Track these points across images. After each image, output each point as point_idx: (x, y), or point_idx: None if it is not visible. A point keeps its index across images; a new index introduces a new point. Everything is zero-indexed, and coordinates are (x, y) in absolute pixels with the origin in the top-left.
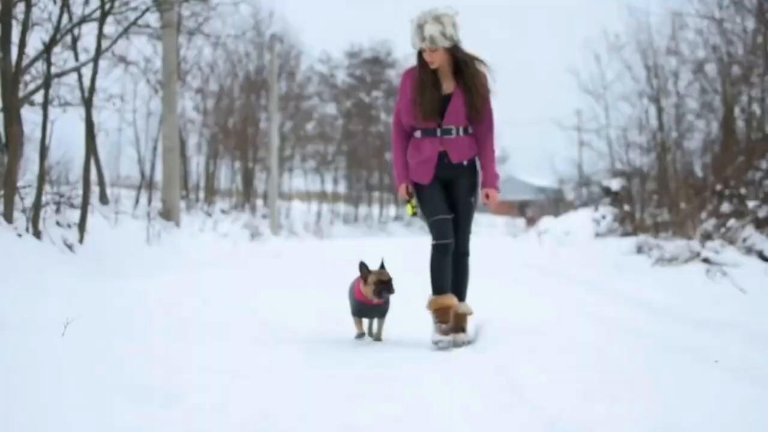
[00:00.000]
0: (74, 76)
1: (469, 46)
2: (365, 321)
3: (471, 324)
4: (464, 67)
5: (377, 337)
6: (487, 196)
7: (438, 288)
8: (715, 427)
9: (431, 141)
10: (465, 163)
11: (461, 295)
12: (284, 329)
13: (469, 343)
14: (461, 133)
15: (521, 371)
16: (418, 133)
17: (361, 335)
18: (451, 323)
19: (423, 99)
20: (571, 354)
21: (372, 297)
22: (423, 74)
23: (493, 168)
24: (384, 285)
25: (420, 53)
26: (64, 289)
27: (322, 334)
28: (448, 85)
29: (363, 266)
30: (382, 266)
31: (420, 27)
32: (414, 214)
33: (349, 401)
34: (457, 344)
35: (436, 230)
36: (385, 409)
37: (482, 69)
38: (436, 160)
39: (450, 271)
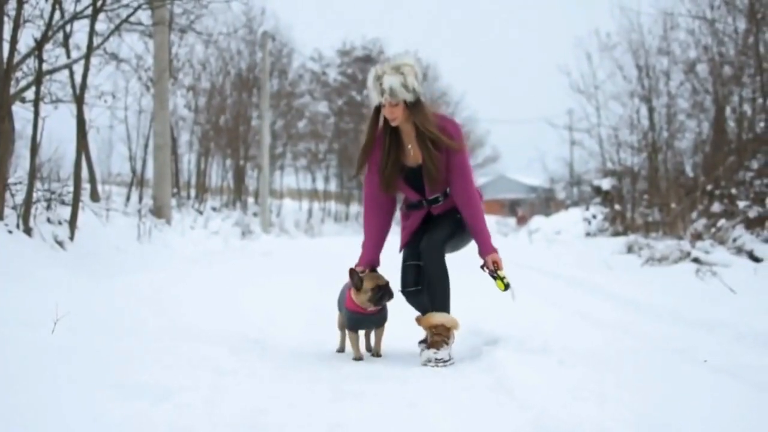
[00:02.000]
0: (66, 72)
1: (429, 100)
2: (361, 337)
3: (456, 338)
4: (423, 137)
5: (376, 352)
6: (493, 262)
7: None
8: (703, 425)
9: (418, 213)
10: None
11: (439, 305)
12: (273, 327)
13: (445, 362)
14: (447, 194)
15: (510, 370)
16: (403, 207)
17: (359, 358)
18: (429, 338)
19: (384, 168)
20: (560, 353)
21: (368, 305)
22: (382, 136)
23: (485, 231)
24: (382, 289)
25: (377, 109)
26: (54, 285)
27: (311, 333)
28: (415, 152)
29: (354, 273)
30: (373, 269)
31: (378, 78)
32: (507, 287)
33: (337, 399)
34: (429, 360)
35: (401, 276)
36: (372, 406)
37: (446, 127)
38: (420, 220)
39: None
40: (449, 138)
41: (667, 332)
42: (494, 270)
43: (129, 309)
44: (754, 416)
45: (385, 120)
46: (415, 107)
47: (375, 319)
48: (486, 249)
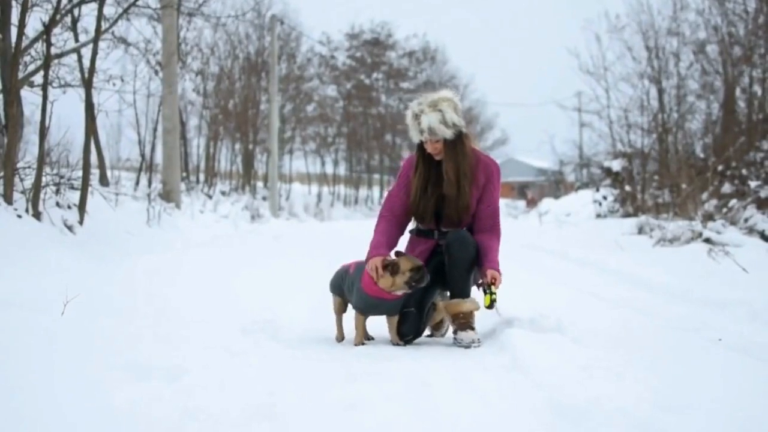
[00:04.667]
0: (74, 56)
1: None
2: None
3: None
4: (452, 172)
5: (397, 341)
6: (492, 277)
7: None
8: (718, 402)
9: (426, 241)
10: None
11: (463, 292)
12: (284, 309)
13: (472, 343)
14: None
15: (524, 349)
16: (413, 230)
17: (362, 343)
18: (456, 322)
19: (422, 201)
20: (574, 332)
21: (403, 288)
22: (425, 170)
23: (497, 251)
24: (421, 270)
25: (420, 144)
26: (63, 269)
27: (322, 314)
28: (451, 183)
29: (398, 256)
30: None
31: (416, 117)
32: (492, 305)
33: (349, 379)
34: (473, 341)
35: (401, 324)
36: (385, 386)
37: (480, 169)
38: (428, 253)
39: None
40: (473, 182)
41: (680, 311)
42: (490, 284)
43: (138, 291)
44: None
45: (428, 153)
46: (453, 144)
47: (393, 306)
48: (493, 264)
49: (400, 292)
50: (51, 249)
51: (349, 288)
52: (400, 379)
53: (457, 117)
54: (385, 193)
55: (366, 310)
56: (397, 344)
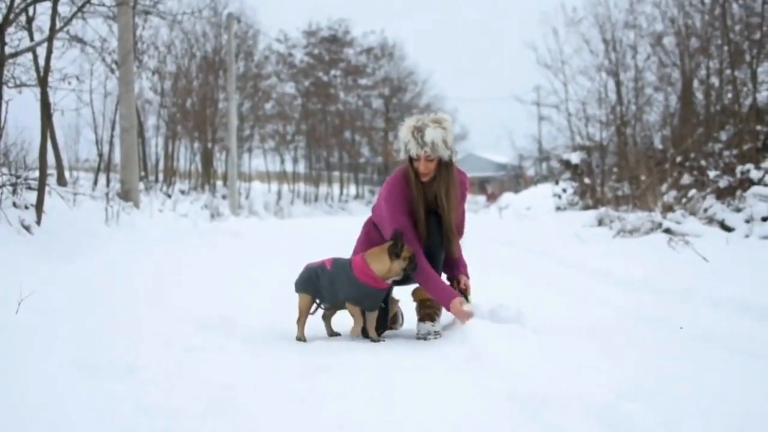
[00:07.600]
0: (29, 56)
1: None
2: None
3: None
4: (445, 195)
5: (375, 337)
6: (464, 284)
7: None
8: (680, 390)
9: None
10: None
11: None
12: (242, 306)
13: (437, 334)
14: None
15: (484, 340)
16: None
17: (381, 339)
18: (422, 311)
19: (419, 221)
20: (534, 323)
21: (398, 275)
22: (416, 191)
23: (463, 257)
24: (414, 260)
25: (410, 162)
26: (20, 268)
27: (281, 310)
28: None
29: (398, 237)
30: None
31: (419, 130)
32: None
33: (307, 372)
34: (429, 333)
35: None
36: (343, 379)
37: (463, 180)
38: None
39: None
40: (460, 199)
41: (641, 301)
42: (463, 292)
43: (94, 290)
44: (729, 380)
45: (414, 173)
46: (447, 167)
47: (380, 297)
48: (464, 269)
49: (390, 280)
50: (8, 249)
51: (330, 283)
52: (359, 372)
53: (452, 141)
54: (345, 191)
55: (360, 300)
56: (376, 340)
